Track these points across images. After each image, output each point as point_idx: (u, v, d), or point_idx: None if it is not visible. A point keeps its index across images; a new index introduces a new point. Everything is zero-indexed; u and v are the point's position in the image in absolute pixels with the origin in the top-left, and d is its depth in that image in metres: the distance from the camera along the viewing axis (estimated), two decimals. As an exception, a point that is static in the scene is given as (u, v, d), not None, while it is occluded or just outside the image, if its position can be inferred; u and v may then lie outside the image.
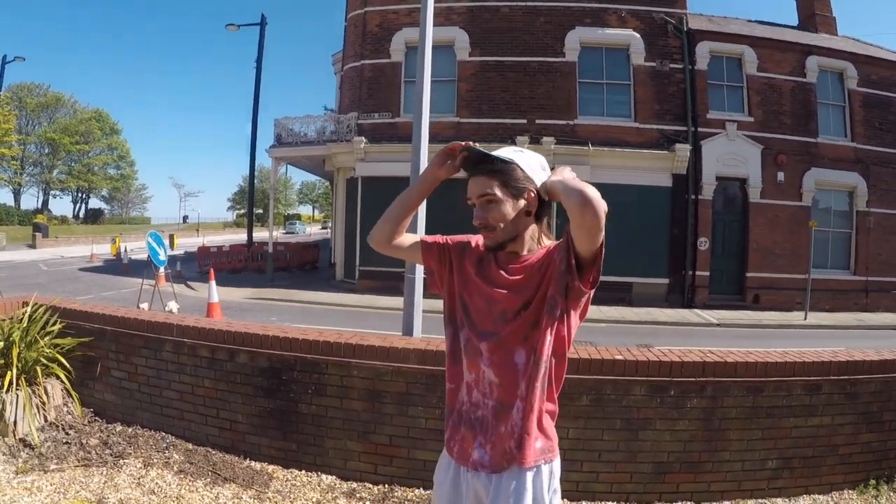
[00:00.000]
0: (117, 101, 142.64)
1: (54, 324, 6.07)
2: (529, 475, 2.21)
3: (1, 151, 50.80)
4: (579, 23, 20.87)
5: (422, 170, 7.94)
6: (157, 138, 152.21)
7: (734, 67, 21.47)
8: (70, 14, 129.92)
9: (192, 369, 5.43)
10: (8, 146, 66.84)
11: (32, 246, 39.84)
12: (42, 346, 5.83)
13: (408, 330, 7.89)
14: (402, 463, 4.82)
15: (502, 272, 2.26)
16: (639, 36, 20.82)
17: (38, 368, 5.76)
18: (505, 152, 2.22)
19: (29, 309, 6.16)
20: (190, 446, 5.40)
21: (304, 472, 5.04)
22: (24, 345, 5.71)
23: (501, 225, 2.19)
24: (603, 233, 1.95)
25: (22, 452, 5.25)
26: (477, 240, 2.42)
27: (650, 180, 20.20)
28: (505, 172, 2.18)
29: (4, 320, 5.97)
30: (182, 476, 4.87)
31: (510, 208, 2.19)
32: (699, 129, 20.68)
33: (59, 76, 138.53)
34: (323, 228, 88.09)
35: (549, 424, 2.29)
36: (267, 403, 5.16)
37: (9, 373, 5.47)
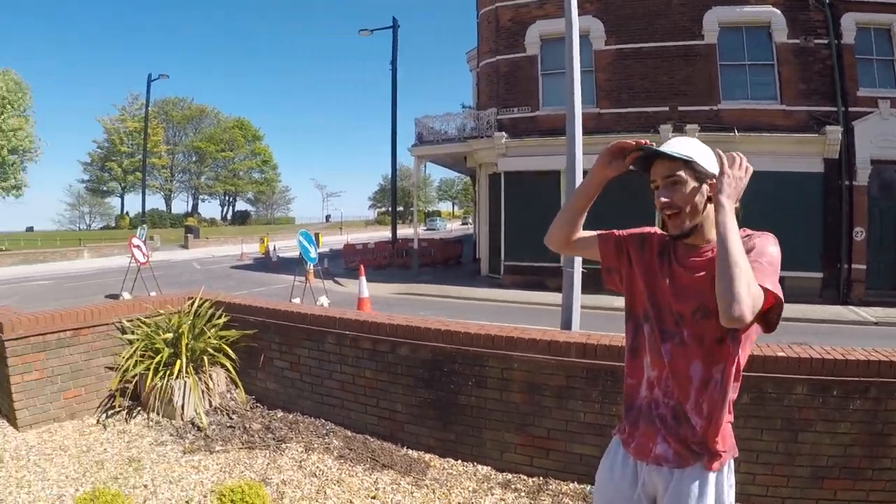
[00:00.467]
0: (259, 109, 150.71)
1: (220, 317, 6.76)
2: (712, 475, 2.25)
3: (152, 161, 55.20)
4: (716, 2, 20.05)
5: (578, 163, 8.22)
6: (298, 142, 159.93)
7: (883, 40, 19.68)
8: (210, 31, 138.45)
9: (354, 360, 5.84)
10: (158, 156, 72.77)
11: (185, 246, 42.88)
12: (209, 338, 6.51)
13: (566, 324, 8.05)
14: (559, 456, 4.94)
15: (682, 266, 2.26)
16: (779, 11, 19.64)
17: (206, 358, 6.44)
18: (679, 147, 2.22)
19: (196, 303, 6.84)
20: (349, 433, 5.82)
21: (460, 461, 5.29)
22: (191, 336, 6.38)
23: (688, 209, 2.18)
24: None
25: (189, 434, 5.89)
26: (655, 231, 2.44)
27: (800, 166, 18.98)
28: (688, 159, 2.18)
29: (174, 313, 6.67)
30: (342, 461, 5.26)
31: (696, 192, 2.18)
32: (849, 109, 19.05)
33: (202, 89, 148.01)
34: (463, 224, 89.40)
35: (729, 430, 2.30)
36: (427, 394, 5.45)
37: (178, 361, 6.16)
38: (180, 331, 6.37)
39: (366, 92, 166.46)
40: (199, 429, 5.94)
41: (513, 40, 21.86)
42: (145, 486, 4.85)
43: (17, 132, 40.83)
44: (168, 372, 6.13)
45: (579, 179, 8.31)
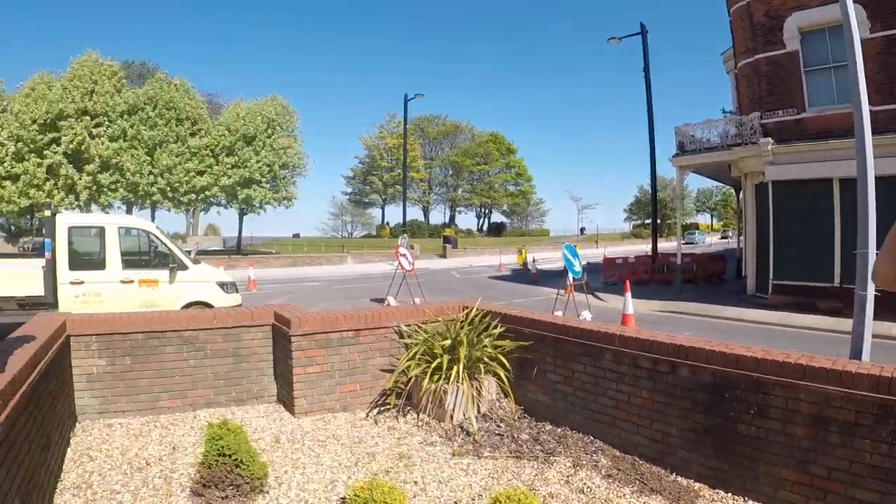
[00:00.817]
0: (511, 123, 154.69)
1: (495, 327, 6.94)
2: None
3: (411, 175, 58.61)
4: None
5: (869, 168, 7.49)
6: (551, 154, 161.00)
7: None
8: (460, 52, 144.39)
9: (631, 379, 5.70)
10: (416, 170, 76.96)
11: (443, 256, 44.90)
12: (484, 346, 6.71)
13: (856, 353, 7.37)
14: (836, 500, 4.45)
15: None
16: None
17: (481, 366, 6.64)
18: None
19: (473, 312, 7.08)
20: (617, 453, 5.70)
21: (730, 494, 4.95)
22: (468, 344, 6.56)
23: None
24: None
25: (457, 437, 6.11)
26: None
27: None
28: None
29: (450, 321, 6.95)
30: (609, 480, 5.15)
31: None
32: None
33: (455, 106, 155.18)
34: (723, 238, 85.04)
35: None
36: (704, 420, 5.18)
37: (455, 367, 6.39)
38: (458, 338, 6.65)
39: (618, 101, 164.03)
40: (467, 433, 6.15)
41: (769, 36, 20.23)
42: (415, 483, 5.11)
43: (286, 150, 45.70)
44: (442, 376, 6.41)
45: (871, 186, 7.57)
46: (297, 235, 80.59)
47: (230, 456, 4.62)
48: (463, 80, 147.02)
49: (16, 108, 36.98)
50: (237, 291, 12.88)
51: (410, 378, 6.68)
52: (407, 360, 6.66)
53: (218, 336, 6.89)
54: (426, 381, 6.38)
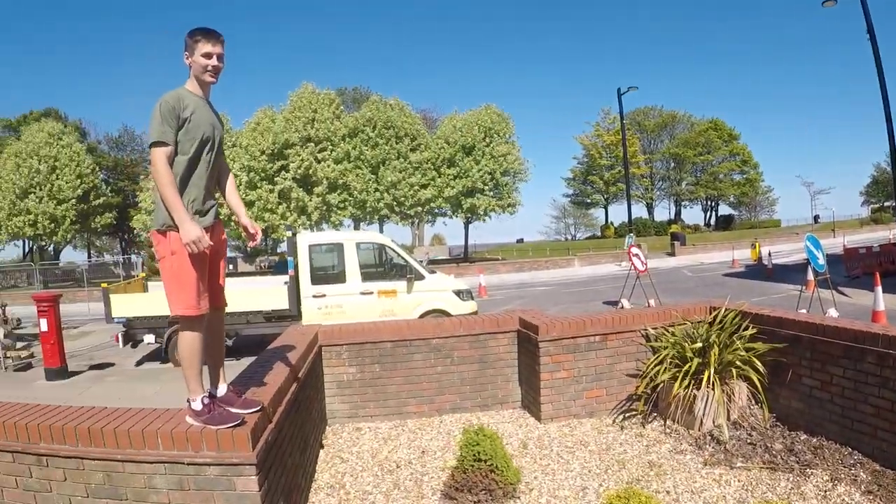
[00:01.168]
0: (728, 107, 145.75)
1: (746, 328, 6.53)
2: None
3: (633, 171, 57.40)
4: None
5: None
6: (776, 137, 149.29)
7: None
8: (668, 34, 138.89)
9: None
10: (637, 165, 75.19)
11: (671, 254, 43.41)
12: (736, 349, 6.32)
13: None
14: None
15: None
16: None
17: (733, 370, 6.29)
18: None
19: (721, 313, 6.76)
20: (877, 467, 5.13)
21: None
22: (720, 347, 6.25)
23: None
24: None
25: (708, 446, 5.83)
26: None
27: None
28: None
29: (699, 323, 6.67)
30: (870, 497, 4.68)
31: None
32: None
33: (669, 94, 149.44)
34: None
35: None
36: None
37: (707, 372, 6.09)
38: (711, 341, 6.34)
39: (840, 74, 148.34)
40: (718, 442, 5.86)
41: None
42: (667, 493, 4.96)
43: (506, 157, 46.26)
44: (692, 382, 6.15)
45: None
46: (520, 240, 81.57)
47: (485, 461, 4.72)
48: (673, 67, 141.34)
49: (244, 142, 41.06)
50: (472, 299, 13.20)
51: (657, 383, 6.47)
52: (655, 365, 6.46)
53: (465, 343, 7.08)
54: (676, 386, 6.14)
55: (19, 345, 15.63)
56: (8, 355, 14.06)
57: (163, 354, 13.47)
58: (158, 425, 3.66)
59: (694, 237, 60.30)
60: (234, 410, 3.78)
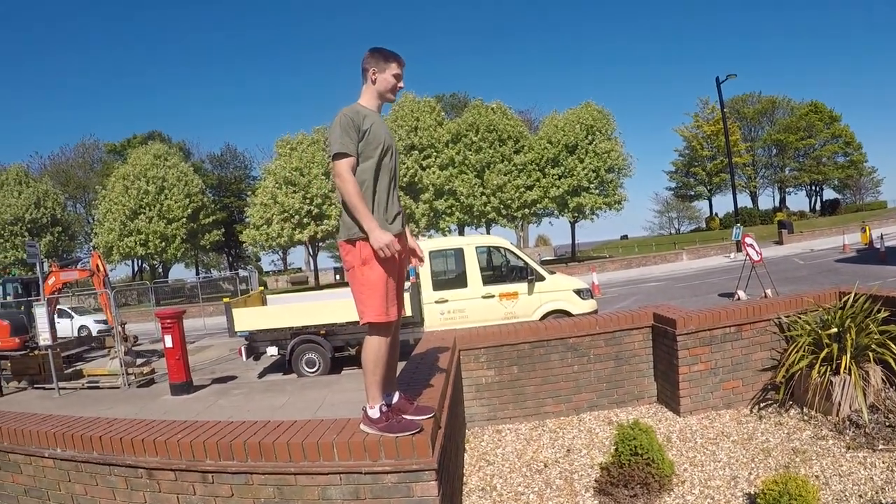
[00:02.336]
0: (828, 85, 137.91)
1: (878, 311, 6.36)
2: None
3: (735, 160, 55.59)
4: None
5: None
6: (879, 114, 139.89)
7: None
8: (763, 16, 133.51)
9: None
10: (738, 154, 72.82)
11: (779, 242, 41.91)
12: (871, 332, 6.17)
13: None
14: None
15: None
16: None
17: (870, 353, 6.12)
18: None
19: (852, 298, 6.59)
20: None
21: None
22: (855, 331, 6.11)
23: None
24: None
25: (848, 430, 5.73)
26: None
27: None
28: None
29: (832, 309, 6.53)
30: None
31: None
32: None
33: (769, 78, 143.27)
34: None
35: None
36: None
37: (843, 357, 5.98)
38: (845, 325, 6.21)
39: None
40: (857, 426, 5.73)
41: None
42: (816, 477, 4.94)
43: (609, 154, 45.71)
44: (828, 368, 6.04)
45: None
46: (624, 237, 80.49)
47: (642, 455, 4.77)
48: (768, 49, 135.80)
49: None
50: (592, 297, 13.14)
51: (793, 371, 6.35)
52: (794, 352, 6.34)
53: (600, 341, 7.11)
54: (814, 372, 6.03)
55: (139, 361, 16.41)
56: (130, 372, 14.45)
57: (286, 366, 13.90)
58: (333, 436, 3.71)
59: (800, 224, 57.94)
60: (409, 417, 3.80)
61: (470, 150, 44.20)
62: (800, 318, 6.65)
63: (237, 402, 11.49)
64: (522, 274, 12.79)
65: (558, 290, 12.75)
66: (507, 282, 12.84)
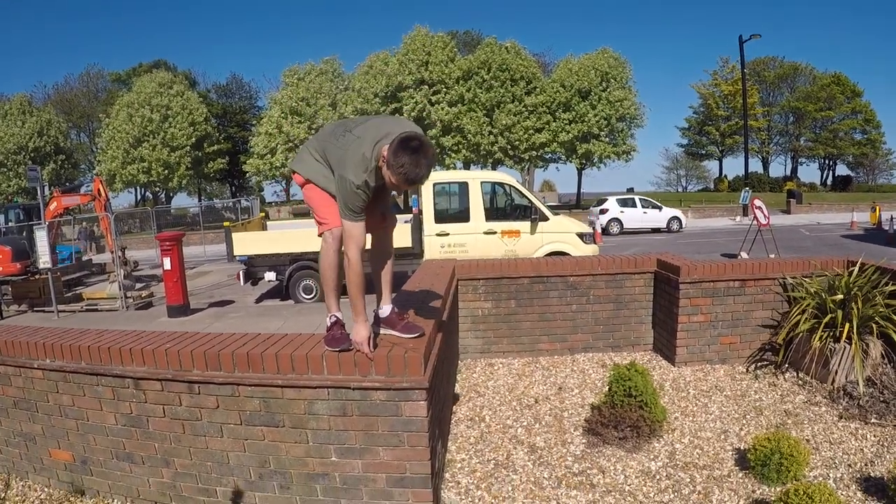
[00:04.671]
0: (853, 62, 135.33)
1: (886, 284, 6.28)
2: None
3: (750, 123, 54.96)
4: None
5: None
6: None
7: None
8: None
9: None
10: (754, 118, 71.95)
11: (786, 211, 41.63)
12: (876, 304, 6.09)
13: None
14: None
15: None
16: None
17: (873, 325, 6.05)
18: None
19: (856, 269, 6.51)
20: None
21: None
22: (861, 300, 6.04)
23: None
24: None
25: (841, 400, 5.73)
26: None
27: None
28: None
29: (841, 275, 6.44)
30: None
31: None
32: None
33: (793, 44, 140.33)
34: None
35: None
36: None
37: (847, 325, 5.90)
38: (852, 294, 6.14)
39: None
40: (851, 397, 5.73)
41: None
42: (807, 441, 4.95)
43: (622, 102, 45.00)
44: (829, 335, 5.99)
45: None
46: (630, 190, 79.80)
47: (636, 397, 4.73)
48: (796, 13, 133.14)
49: (357, 84, 41.66)
50: (594, 243, 13.02)
51: (792, 334, 6.32)
52: (797, 314, 6.29)
53: (601, 282, 7.08)
54: (815, 338, 5.98)
55: (138, 286, 16.44)
56: (128, 296, 14.53)
57: (283, 292, 13.88)
58: (323, 349, 3.65)
59: (810, 196, 57.52)
60: (395, 333, 3.83)
61: (480, 89, 43.40)
62: (805, 280, 6.58)
63: (233, 325, 11.43)
64: (526, 213, 12.66)
65: (561, 232, 12.63)
66: (511, 219, 12.71)
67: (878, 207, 32.55)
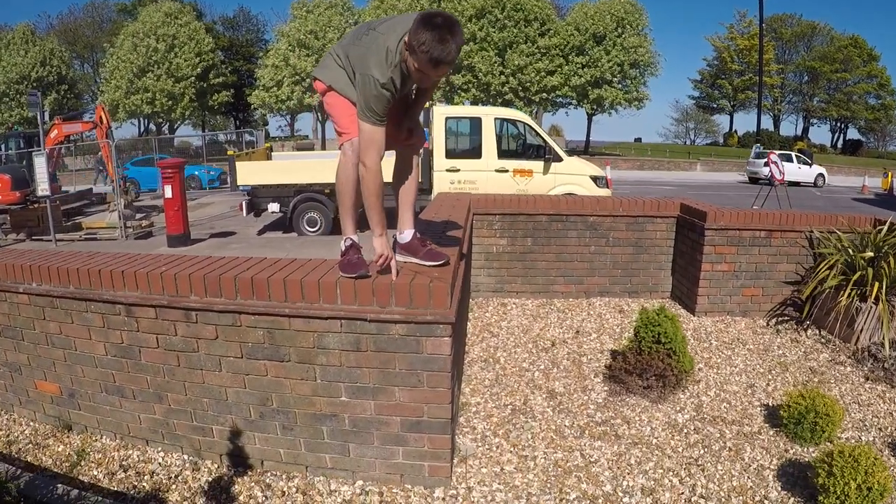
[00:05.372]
0: (873, 24, 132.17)
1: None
2: None
3: (764, 80, 53.98)
4: None
5: None
6: None
7: None
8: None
9: None
10: (769, 75, 70.86)
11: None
12: (905, 264, 5.79)
13: None
14: None
15: None
16: None
17: (902, 285, 5.78)
18: None
19: (885, 227, 6.20)
20: None
21: None
22: (893, 259, 5.73)
23: None
24: None
25: (867, 361, 5.48)
26: None
27: None
28: None
29: (871, 233, 6.13)
30: None
31: None
32: None
33: (812, 3, 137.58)
34: None
35: None
36: None
37: (876, 284, 5.61)
38: (883, 251, 5.83)
39: None
40: (876, 359, 5.47)
41: None
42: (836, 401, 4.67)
43: (637, 49, 44.46)
44: (857, 293, 5.71)
45: None
46: (638, 140, 79.41)
47: (664, 344, 4.44)
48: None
49: (367, 19, 40.31)
50: (608, 186, 12.66)
51: (817, 290, 6.03)
52: (825, 270, 6.00)
53: (621, 224, 6.75)
54: (843, 296, 5.69)
55: (138, 216, 16.33)
56: (128, 225, 14.37)
57: (286, 224, 13.63)
58: (336, 275, 3.27)
59: (820, 157, 56.73)
60: (416, 261, 3.45)
61: (493, 28, 42.68)
62: (833, 235, 6.28)
63: (233, 256, 11.07)
64: (539, 152, 12.26)
65: (575, 174, 12.26)
66: (524, 158, 12.31)
67: (890, 174, 32.21)
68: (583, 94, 44.57)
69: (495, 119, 12.35)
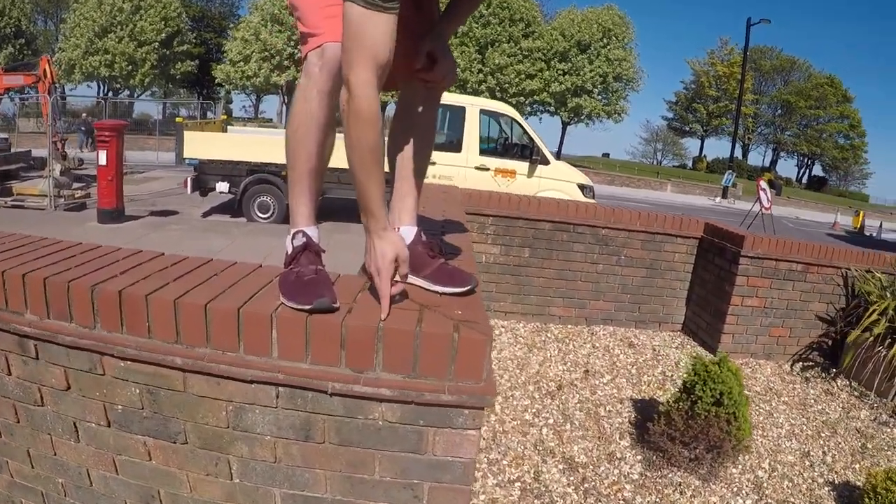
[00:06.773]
0: (850, 67, 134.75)
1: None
2: None
3: (743, 109, 54.15)
4: None
5: None
6: (892, 113, 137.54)
7: None
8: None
9: None
10: (745, 104, 71.45)
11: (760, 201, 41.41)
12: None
13: None
14: None
15: None
16: None
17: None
18: None
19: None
20: None
21: None
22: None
23: None
24: None
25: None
26: None
27: None
28: None
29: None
30: None
31: None
32: None
33: (794, 39, 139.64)
34: None
35: None
36: None
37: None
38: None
39: None
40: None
41: None
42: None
43: (621, 62, 43.93)
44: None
45: None
46: (606, 155, 79.32)
47: (726, 406, 3.39)
48: (802, 8, 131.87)
49: None
50: (594, 197, 11.72)
51: (849, 335, 5.28)
52: (874, 315, 5.14)
53: (637, 241, 5.82)
54: (893, 350, 4.88)
55: (76, 185, 14.69)
56: (61, 194, 12.82)
57: (235, 207, 12.26)
58: (275, 303, 1.71)
59: (787, 190, 57.68)
60: (425, 286, 1.94)
61: (477, 23, 41.83)
62: (876, 275, 5.49)
63: (171, 239, 9.67)
64: (525, 153, 11.28)
65: (561, 180, 11.31)
66: (508, 157, 11.31)
67: (861, 213, 32.32)
68: (561, 102, 43.99)
69: (481, 111, 11.37)
